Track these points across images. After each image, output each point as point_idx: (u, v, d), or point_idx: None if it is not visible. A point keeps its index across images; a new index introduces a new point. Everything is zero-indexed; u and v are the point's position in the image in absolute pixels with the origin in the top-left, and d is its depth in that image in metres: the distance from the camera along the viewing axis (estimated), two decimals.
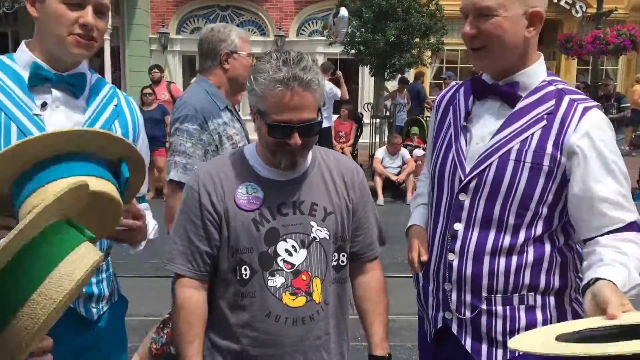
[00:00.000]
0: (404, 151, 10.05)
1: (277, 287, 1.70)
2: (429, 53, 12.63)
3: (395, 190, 9.87)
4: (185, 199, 1.77)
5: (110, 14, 1.70)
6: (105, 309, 1.82)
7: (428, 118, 12.43)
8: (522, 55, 1.68)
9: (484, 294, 1.71)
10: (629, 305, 1.34)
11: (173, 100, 9.94)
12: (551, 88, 1.70)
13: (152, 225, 1.85)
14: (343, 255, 1.82)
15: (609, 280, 1.41)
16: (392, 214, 8.79)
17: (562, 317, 1.73)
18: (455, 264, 1.73)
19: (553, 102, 1.67)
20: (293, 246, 1.72)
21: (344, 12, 10.27)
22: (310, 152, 1.79)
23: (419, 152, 10.19)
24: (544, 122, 1.65)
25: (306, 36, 16.21)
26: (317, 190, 1.78)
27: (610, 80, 13.83)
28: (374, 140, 11.52)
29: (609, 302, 1.32)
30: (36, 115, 1.61)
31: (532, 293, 1.71)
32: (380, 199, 9.41)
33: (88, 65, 1.79)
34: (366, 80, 15.72)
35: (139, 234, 1.67)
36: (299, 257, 1.72)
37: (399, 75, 12.12)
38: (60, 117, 1.65)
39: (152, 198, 8.65)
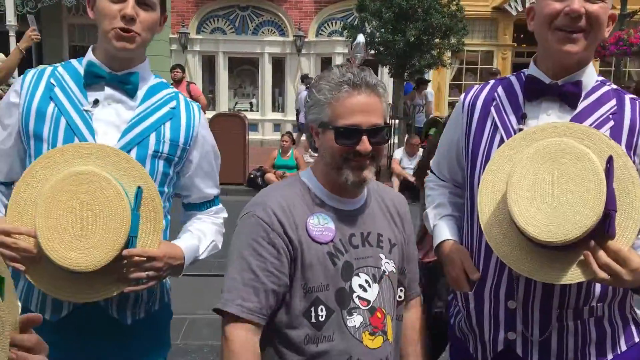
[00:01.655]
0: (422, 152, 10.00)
1: (357, 326, 1.55)
2: (449, 54, 12.54)
3: (412, 191, 9.80)
4: (250, 231, 1.55)
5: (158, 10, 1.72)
6: (142, 314, 1.76)
7: (440, 119, 12.36)
8: (593, 52, 1.62)
9: (555, 309, 1.59)
10: None
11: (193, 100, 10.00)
12: (606, 88, 1.64)
13: (204, 244, 1.81)
14: (401, 290, 1.73)
15: None
16: (412, 216, 8.75)
17: (626, 326, 1.67)
18: (522, 279, 1.59)
19: (614, 101, 1.61)
20: (367, 281, 1.59)
21: (360, 38, 10.30)
22: None
23: None
24: (612, 123, 1.58)
25: (325, 36, 16.21)
26: (379, 220, 1.69)
27: (633, 82, 13.62)
28: (392, 141, 11.48)
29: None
30: (86, 110, 1.67)
31: (601, 304, 1.61)
32: None
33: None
34: (385, 81, 15.66)
35: (156, 273, 1.60)
36: (372, 292, 1.59)
37: (418, 76, 12.05)
38: (110, 113, 1.69)
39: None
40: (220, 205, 1.97)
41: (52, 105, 1.67)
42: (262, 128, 16.30)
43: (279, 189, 1.66)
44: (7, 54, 11.39)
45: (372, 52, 11.54)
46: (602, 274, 1.39)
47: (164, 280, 1.77)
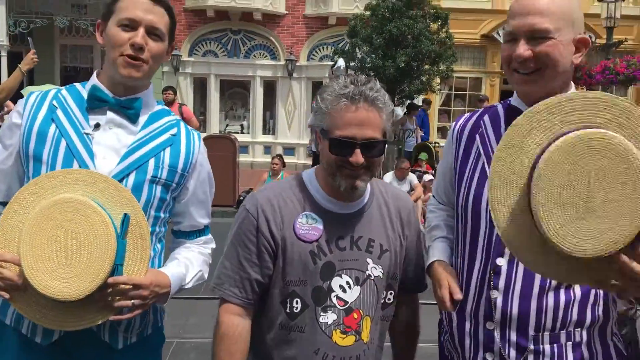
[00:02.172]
0: (412, 176, 10.04)
1: (329, 324, 1.64)
2: (438, 80, 12.70)
3: None
4: (241, 222, 1.69)
5: (167, 41, 1.75)
6: (134, 339, 1.75)
7: (436, 144, 12.47)
8: (565, 82, 1.66)
9: (531, 332, 1.62)
10: None
11: (185, 122, 10.01)
12: None
13: (191, 273, 1.80)
14: (391, 294, 1.77)
15: None
16: None
17: (606, 353, 1.67)
18: (499, 301, 1.63)
19: None
20: (348, 282, 1.66)
21: (341, 62, 10.43)
22: (369, 185, 1.73)
23: (428, 177, 10.17)
24: None
25: (317, 60, 16.36)
26: (375, 225, 1.73)
27: None
28: (381, 165, 11.54)
29: None
30: (86, 134, 1.68)
31: (579, 329, 1.63)
32: None
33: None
34: None
35: (141, 301, 1.58)
36: (352, 294, 1.66)
37: (408, 101, 12.17)
38: (110, 137, 1.70)
39: None
40: (210, 236, 1.96)
41: (53, 127, 1.67)
42: (253, 150, 16.32)
43: (277, 186, 1.76)
44: None
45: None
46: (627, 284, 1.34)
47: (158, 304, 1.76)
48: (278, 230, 1.64)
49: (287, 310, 1.64)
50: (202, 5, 15.60)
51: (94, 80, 1.76)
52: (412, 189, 9.87)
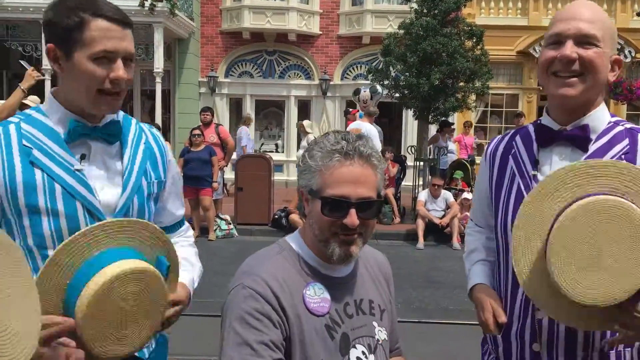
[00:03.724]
0: (448, 194, 9.94)
1: None
2: (473, 97, 12.59)
3: (438, 234, 9.72)
4: (242, 303, 1.42)
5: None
6: (153, 346, 1.80)
7: (465, 161, 12.30)
8: (597, 96, 1.66)
9: (580, 352, 1.60)
10: None
11: (221, 142, 10.16)
12: (620, 128, 1.66)
13: (197, 273, 1.87)
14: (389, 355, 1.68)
15: None
16: (436, 258, 8.64)
17: None
18: (545, 322, 1.62)
19: (627, 141, 1.63)
20: (363, 352, 1.52)
21: (369, 90, 9.81)
22: None
23: (468, 195, 10.02)
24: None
25: (351, 79, 16.44)
26: (368, 286, 1.63)
27: None
28: (417, 183, 11.45)
29: None
30: (77, 170, 1.58)
31: (629, 348, 1.61)
32: (421, 243, 9.31)
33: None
34: (409, 123, 15.75)
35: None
36: None
37: (442, 119, 12.09)
38: (100, 167, 1.63)
39: (197, 237, 8.78)
40: (187, 223, 1.99)
41: (38, 172, 1.54)
42: (287, 169, 16.43)
43: (269, 257, 1.54)
44: (42, 96, 11.78)
45: (397, 95, 11.65)
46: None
47: None
48: (290, 306, 1.44)
49: None
50: (238, 28, 15.91)
51: (56, 106, 1.62)
52: (447, 207, 9.76)
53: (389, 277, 1.74)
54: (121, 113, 1.76)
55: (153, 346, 1.81)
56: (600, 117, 1.68)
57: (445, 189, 10.25)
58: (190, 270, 1.83)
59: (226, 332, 1.43)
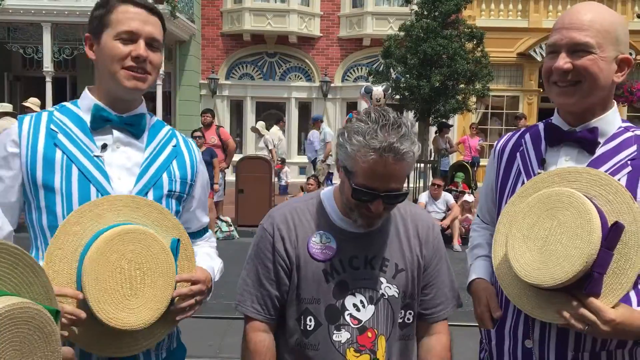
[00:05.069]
0: (448, 196, 9.93)
1: (342, 342, 1.64)
2: (474, 99, 12.60)
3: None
4: (258, 241, 1.74)
5: (163, 54, 1.75)
6: (164, 355, 1.78)
7: (466, 163, 12.30)
8: (604, 99, 1.66)
9: (571, 351, 1.60)
10: None
11: (222, 143, 10.17)
12: (629, 134, 1.66)
13: (217, 266, 1.87)
14: (410, 313, 1.74)
15: None
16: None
17: None
18: (538, 319, 1.62)
19: (634, 148, 1.62)
20: (361, 301, 1.66)
21: (376, 89, 9.73)
22: None
23: (469, 197, 10.01)
24: (629, 169, 1.60)
25: (351, 81, 16.46)
26: (390, 245, 1.72)
27: None
28: (417, 185, 11.45)
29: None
30: (96, 156, 1.64)
31: (621, 349, 1.60)
32: None
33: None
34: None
35: (201, 296, 1.67)
36: (366, 313, 1.66)
37: (441, 120, 12.09)
38: (120, 157, 1.68)
39: None
40: (210, 231, 2.03)
41: (59, 153, 1.62)
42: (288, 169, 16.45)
43: (294, 203, 1.79)
44: (43, 98, 11.80)
45: (397, 97, 11.65)
46: (575, 323, 1.48)
47: None
48: (292, 248, 1.68)
49: (302, 328, 1.67)
50: (238, 30, 15.94)
51: (88, 97, 1.71)
52: (448, 209, 9.76)
53: (426, 240, 1.77)
54: (154, 117, 1.83)
55: (163, 354, 1.77)
56: (611, 120, 1.68)
57: (446, 190, 10.24)
58: (209, 260, 1.85)
59: (249, 259, 1.76)
